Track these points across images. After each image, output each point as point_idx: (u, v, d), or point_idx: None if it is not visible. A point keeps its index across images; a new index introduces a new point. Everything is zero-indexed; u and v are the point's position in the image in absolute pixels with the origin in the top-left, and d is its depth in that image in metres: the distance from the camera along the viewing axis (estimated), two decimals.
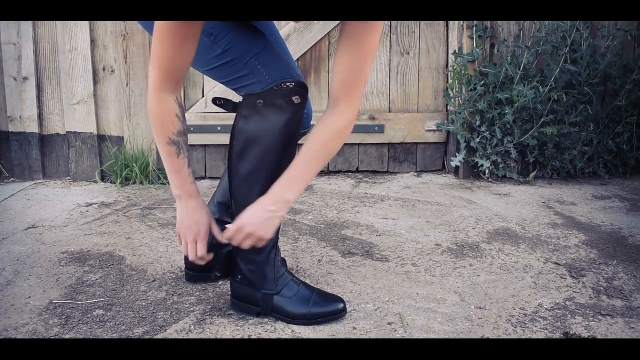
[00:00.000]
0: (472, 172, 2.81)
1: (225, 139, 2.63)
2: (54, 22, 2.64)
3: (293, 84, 1.34)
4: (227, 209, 1.59)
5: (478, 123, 2.69)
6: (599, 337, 1.38)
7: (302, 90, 1.35)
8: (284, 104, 1.33)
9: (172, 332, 1.38)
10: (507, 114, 2.61)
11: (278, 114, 1.34)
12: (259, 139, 1.34)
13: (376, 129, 2.82)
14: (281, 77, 1.33)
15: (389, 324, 1.43)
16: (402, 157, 2.91)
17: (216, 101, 1.43)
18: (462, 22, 2.73)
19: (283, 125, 1.34)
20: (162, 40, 1.23)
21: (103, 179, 2.74)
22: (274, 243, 1.43)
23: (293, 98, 1.34)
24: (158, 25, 1.23)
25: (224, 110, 1.49)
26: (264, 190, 1.37)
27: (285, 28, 2.69)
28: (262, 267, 1.42)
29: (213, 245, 1.62)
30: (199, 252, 1.39)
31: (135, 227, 2.11)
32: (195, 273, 1.63)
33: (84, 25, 2.63)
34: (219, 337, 1.36)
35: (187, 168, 1.35)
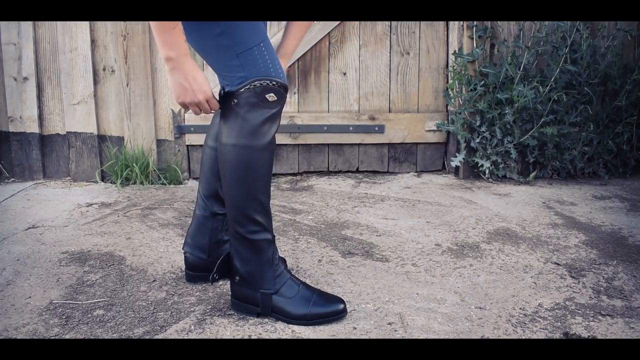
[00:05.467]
0: (472, 172, 2.81)
1: None
2: (54, 22, 2.64)
3: (267, 81, 1.33)
4: (215, 199, 1.59)
5: (478, 123, 2.69)
6: (599, 337, 1.38)
7: (277, 87, 1.35)
8: (257, 101, 1.34)
9: (172, 332, 1.38)
10: (507, 114, 2.61)
11: (254, 112, 1.34)
12: (237, 139, 1.35)
13: (376, 129, 2.82)
14: (261, 75, 1.33)
15: (389, 324, 1.43)
16: (402, 157, 2.91)
17: (220, 92, 1.43)
18: (462, 22, 2.73)
19: (259, 123, 1.35)
20: None
21: (103, 179, 2.74)
22: (268, 243, 1.43)
23: (267, 96, 1.34)
24: None
25: None
26: (248, 189, 1.38)
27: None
28: (259, 267, 1.42)
29: (212, 244, 1.62)
30: (214, 107, 1.36)
31: (135, 227, 2.11)
32: (195, 273, 1.63)
33: (84, 25, 2.63)
34: (219, 337, 1.36)
35: (181, 25, 1.27)
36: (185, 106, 1.35)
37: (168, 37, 1.25)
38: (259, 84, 1.33)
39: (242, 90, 1.33)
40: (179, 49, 1.27)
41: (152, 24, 1.24)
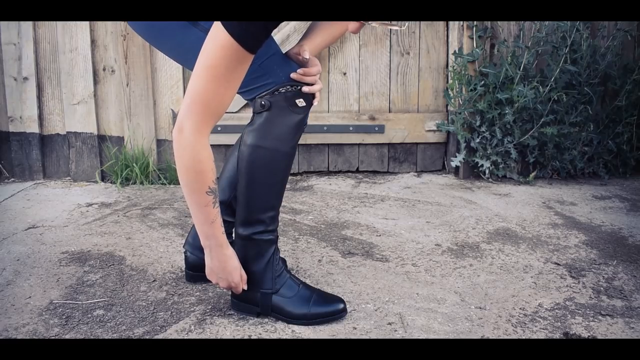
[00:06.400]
0: (472, 172, 2.81)
1: (225, 139, 2.63)
2: (54, 22, 2.64)
3: (298, 86, 1.34)
4: (225, 208, 1.59)
5: (478, 123, 2.69)
6: (599, 337, 1.38)
7: (306, 93, 1.36)
8: (287, 106, 1.34)
9: (172, 332, 1.38)
10: (507, 114, 2.61)
11: (283, 116, 1.34)
12: (262, 141, 1.35)
13: (376, 129, 2.82)
14: (288, 80, 1.34)
15: (389, 324, 1.43)
16: (402, 157, 2.91)
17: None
18: (462, 22, 2.73)
19: (289, 129, 1.35)
20: (214, 76, 1.18)
21: (103, 179, 2.74)
22: (271, 244, 1.43)
23: (297, 101, 1.34)
24: (210, 60, 1.17)
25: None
26: (265, 191, 1.37)
27: (285, 28, 2.69)
28: (261, 267, 1.42)
29: None
30: (237, 292, 1.43)
31: (135, 227, 2.11)
32: (195, 273, 1.63)
33: (84, 25, 2.63)
34: (219, 337, 1.36)
35: (220, 217, 1.32)
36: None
37: (206, 228, 1.31)
38: (290, 88, 1.34)
39: (275, 93, 1.33)
40: (216, 240, 1.33)
41: (193, 216, 1.31)
